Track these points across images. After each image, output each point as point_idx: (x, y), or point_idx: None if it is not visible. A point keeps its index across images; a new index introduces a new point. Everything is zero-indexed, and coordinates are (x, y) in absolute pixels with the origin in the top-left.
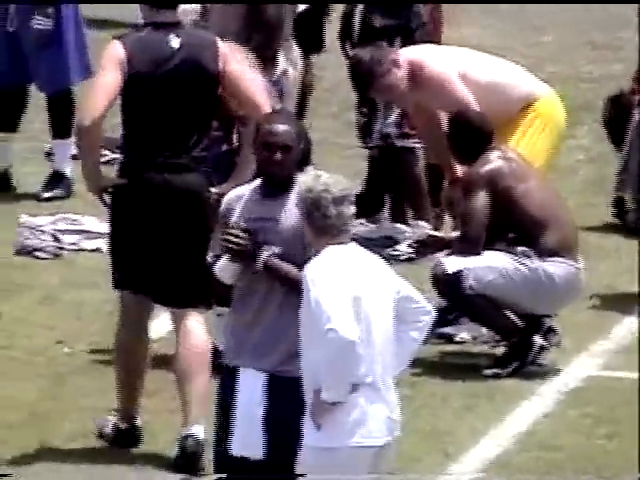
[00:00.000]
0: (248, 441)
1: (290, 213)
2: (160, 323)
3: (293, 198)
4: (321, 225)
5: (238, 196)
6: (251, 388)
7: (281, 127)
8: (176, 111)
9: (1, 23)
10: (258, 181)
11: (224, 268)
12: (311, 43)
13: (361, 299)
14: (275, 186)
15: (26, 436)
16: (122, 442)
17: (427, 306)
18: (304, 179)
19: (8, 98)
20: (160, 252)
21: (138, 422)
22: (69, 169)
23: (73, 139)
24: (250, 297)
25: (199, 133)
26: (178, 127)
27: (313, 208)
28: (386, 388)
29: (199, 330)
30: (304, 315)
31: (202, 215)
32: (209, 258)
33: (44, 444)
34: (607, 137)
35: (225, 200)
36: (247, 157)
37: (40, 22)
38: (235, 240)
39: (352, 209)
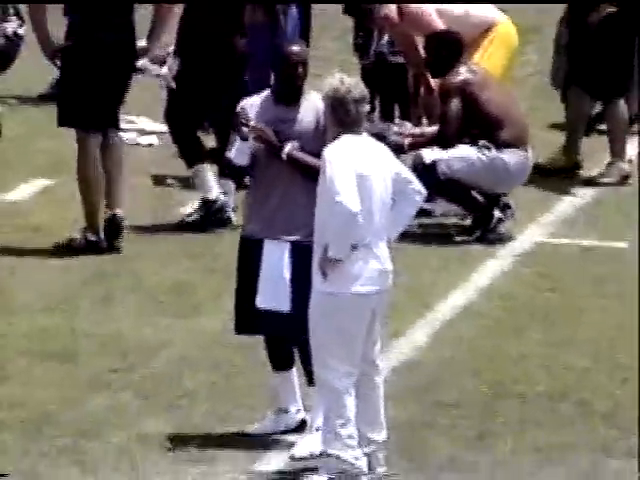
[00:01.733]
0: (276, 296)
1: (303, 115)
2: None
3: (305, 104)
4: (343, 119)
5: (251, 103)
6: (278, 254)
7: (300, 49)
8: None
9: None
10: (267, 91)
11: (240, 150)
12: None
13: (367, 177)
14: (292, 94)
15: (95, 291)
16: (91, 250)
17: (419, 187)
18: (330, 81)
19: None
20: (108, 92)
21: (102, 235)
22: None
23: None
24: (274, 186)
25: None
26: None
27: (338, 105)
28: (379, 247)
29: (122, 146)
30: (321, 187)
31: (134, 61)
32: (229, 153)
33: (109, 297)
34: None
35: (240, 105)
36: (159, 19)
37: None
38: (261, 132)
39: (367, 107)
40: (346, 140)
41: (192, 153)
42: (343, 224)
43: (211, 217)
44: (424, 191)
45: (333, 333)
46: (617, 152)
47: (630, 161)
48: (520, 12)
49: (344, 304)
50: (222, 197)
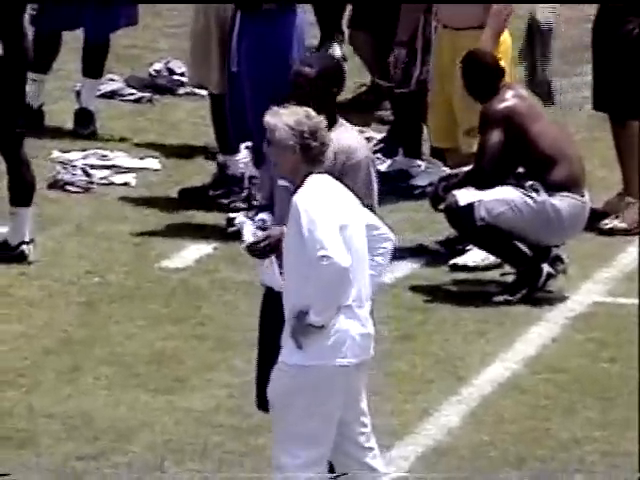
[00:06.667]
0: None
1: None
2: (187, 252)
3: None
4: (317, 153)
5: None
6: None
7: (301, 69)
8: None
9: None
10: None
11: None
12: None
13: (347, 227)
14: None
15: (60, 361)
16: None
17: (388, 233)
18: (286, 118)
19: (43, 41)
20: None
21: None
22: (94, 107)
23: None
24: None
25: None
26: None
27: (311, 138)
28: (361, 307)
29: None
30: (292, 243)
31: None
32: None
33: (76, 369)
34: None
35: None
36: None
37: None
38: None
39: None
40: (317, 182)
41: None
42: (332, 283)
43: None
44: (393, 238)
45: (307, 413)
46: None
47: None
48: (574, 24)
49: (323, 379)
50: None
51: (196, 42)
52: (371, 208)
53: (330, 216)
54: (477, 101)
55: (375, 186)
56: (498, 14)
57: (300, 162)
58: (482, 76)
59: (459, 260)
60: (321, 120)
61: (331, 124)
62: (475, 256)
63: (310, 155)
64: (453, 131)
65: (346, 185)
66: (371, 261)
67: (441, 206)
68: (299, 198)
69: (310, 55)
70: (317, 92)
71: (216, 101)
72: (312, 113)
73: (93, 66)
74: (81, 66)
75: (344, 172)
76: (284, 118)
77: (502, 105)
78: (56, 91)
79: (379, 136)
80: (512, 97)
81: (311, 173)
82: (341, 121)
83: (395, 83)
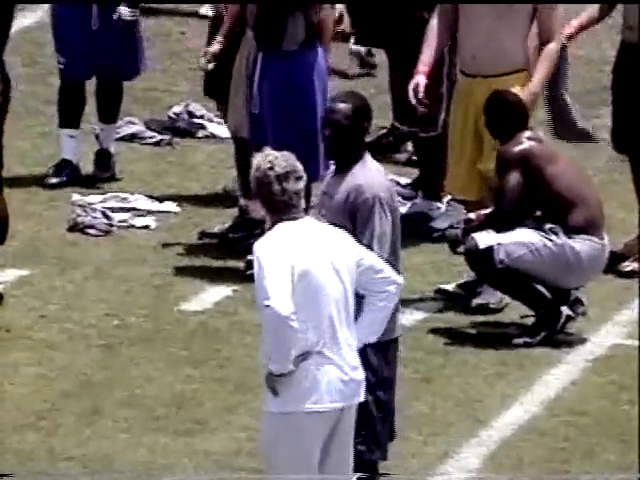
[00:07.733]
0: None
1: (341, 191)
2: (206, 295)
3: (350, 177)
4: (268, 201)
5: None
6: None
7: (335, 105)
8: None
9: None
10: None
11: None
12: None
13: (308, 272)
14: (336, 164)
15: (79, 404)
16: None
17: (392, 275)
18: (256, 158)
19: (69, 94)
20: None
21: None
22: (113, 149)
23: (119, 123)
24: None
25: None
26: None
27: (260, 185)
28: (340, 353)
29: None
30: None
31: None
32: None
33: (96, 411)
34: None
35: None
36: None
37: (127, 12)
38: None
39: (299, 185)
40: (280, 230)
41: None
42: (275, 331)
43: None
44: (399, 280)
45: (289, 460)
46: None
47: None
48: (594, 66)
49: (295, 426)
50: None
51: (234, 89)
52: (369, 247)
53: (282, 264)
54: (498, 141)
55: (377, 226)
56: (552, 57)
57: (264, 208)
58: (508, 116)
59: (478, 300)
60: (265, 170)
61: (357, 160)
62: (493, 299)
63: (267, 202)
64: (474, 182)
65: (355, 222)
66: (372, 305)
67: (460, 249)
68: (256, 246)
69: (339, 94)
70: (353, 128)
71: (241, 145)
72: (265, 160)
73: (108, 111)
74: (96, 111)
75: (353, 210)
76: (254, 161)
77: (517, 148)
78: None
79: (399, 179)
80: (527, 139)
81: (279, 221)
82: (364, 159)
83: (419, 126)
